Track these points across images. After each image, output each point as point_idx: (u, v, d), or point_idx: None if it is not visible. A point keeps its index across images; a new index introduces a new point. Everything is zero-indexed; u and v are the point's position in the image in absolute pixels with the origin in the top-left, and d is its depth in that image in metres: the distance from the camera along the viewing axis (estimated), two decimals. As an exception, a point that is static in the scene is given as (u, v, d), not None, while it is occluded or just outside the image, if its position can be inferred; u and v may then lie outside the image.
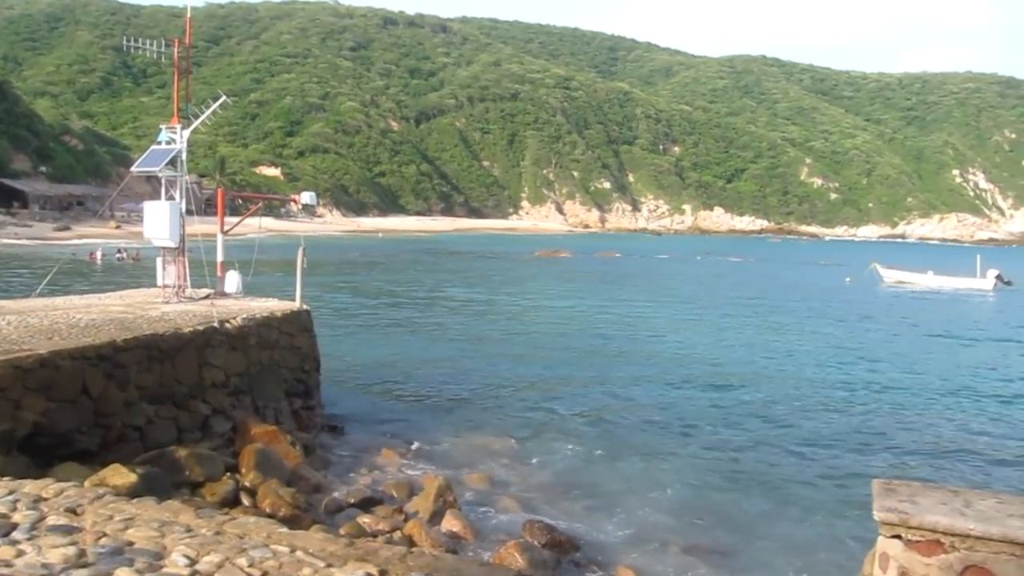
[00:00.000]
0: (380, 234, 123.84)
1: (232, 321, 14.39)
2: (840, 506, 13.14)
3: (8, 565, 4.25)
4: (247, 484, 11.57)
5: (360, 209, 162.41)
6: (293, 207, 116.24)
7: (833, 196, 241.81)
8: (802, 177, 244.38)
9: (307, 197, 21.95)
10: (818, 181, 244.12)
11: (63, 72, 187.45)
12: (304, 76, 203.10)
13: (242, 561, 4.60)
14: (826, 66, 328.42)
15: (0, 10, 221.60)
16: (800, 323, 37.91)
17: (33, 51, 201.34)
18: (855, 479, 14.25)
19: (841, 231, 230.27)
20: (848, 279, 65.73)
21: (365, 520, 11.28)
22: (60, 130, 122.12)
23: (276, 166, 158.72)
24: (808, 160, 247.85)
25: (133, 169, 17.96)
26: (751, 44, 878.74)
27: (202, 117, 17.98)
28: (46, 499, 5.43)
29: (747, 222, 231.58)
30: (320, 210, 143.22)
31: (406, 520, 11.39)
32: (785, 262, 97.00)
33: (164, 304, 16.04)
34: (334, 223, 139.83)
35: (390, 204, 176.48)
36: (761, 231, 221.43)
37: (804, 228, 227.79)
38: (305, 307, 17.11)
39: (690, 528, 12.18)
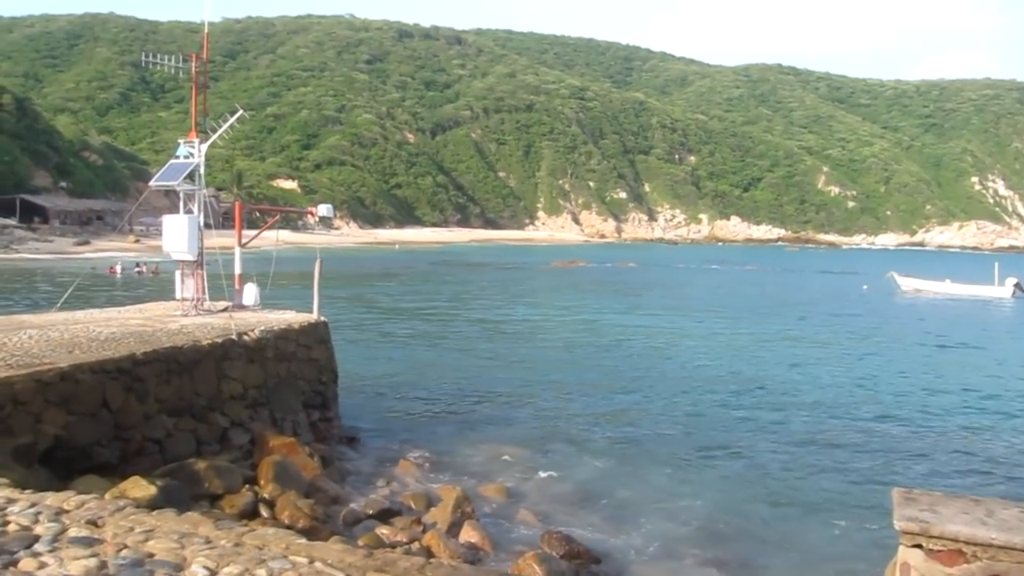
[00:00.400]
0: (397, 246, 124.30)
1: (250, 333, 14.47)
2: (861, 516, 13.03)
3: (30, 577, 4.30)
4: (266, 496, 11.61)
5: (377, 221, 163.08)
6: (310, 220, 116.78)
7: (851, 204, 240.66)
8: (819, 185, 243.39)
9: (324, 209, 22.10)
10: (835, 189, 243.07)
11: (82, 88, 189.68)
12: (320, 89, 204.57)
13: (261, 572, 4.62)
14: (842, 74, 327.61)
15: (20, 28, 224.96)
16: (816, 332, 37.69)
17: (53, 68, 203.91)
18: (875, 489, 14.13)
19: (859, 239, 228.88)
20: (865, 287, 65.31)
21: (383, 531, 11.28)
22: (80, 146, 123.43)
23: (293, 179, 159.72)
24: (825, 168, 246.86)
25: (152, 183, 18.15)
26: (766, 53, 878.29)
27: (219, 131, 18.13)
28: (67, 511, 5.47)
29: (764, 231, 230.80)
30: (337, 222, 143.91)
31: (424, 531, 11.40)
32: (802, 271, 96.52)
33: (183, 317, 16.15)
34: (351, 235, 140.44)
35: (406, 216, 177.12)
36: (778, 240, 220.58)
37: (822, 237, 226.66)
38: (322, 319, 17.18)
39: (710, 540, 12.11)
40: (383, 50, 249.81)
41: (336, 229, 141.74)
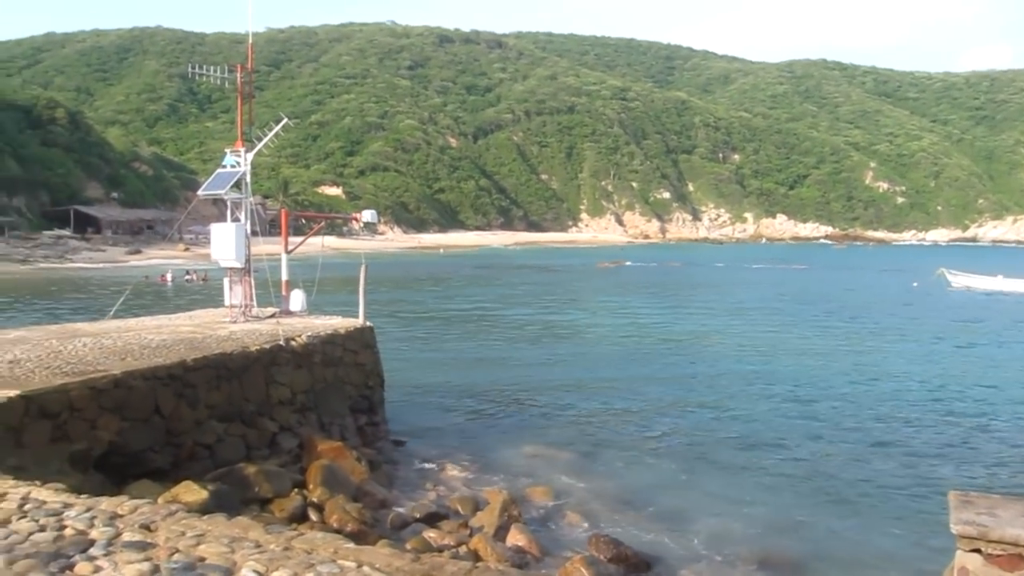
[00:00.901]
0: (441, 250, 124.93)
1: (297, 339, 14.63)
2: (918, 519, 12.75)
3: (86, 581, 4.38)
4: (314, 500, 11.71)
5: (420, 226, 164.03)
6: (355, 225, 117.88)
7: (900, 200, 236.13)
8: (867, 181, 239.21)
9: (368, 215, 22.24)
10: (884, 185, 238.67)
11: (132, 101, 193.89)
12: (363, 96, 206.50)
13: (310, 576, 4.66)
14: (889, 67, 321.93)
15: (72, 43, 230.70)
16: (864, 331, 37.02)
17: (104, 82, 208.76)
18: (932, 491, 13.83)
19: (909, 236, 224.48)
20: (915, 285, 64.01)
21: (431, 535, 11.31)
22: (130, 157, 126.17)
23: (337, 185, 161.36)
24: (873, 164, 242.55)
25: (200, 193, 18.44)
26: (810, 48, 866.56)
27: (265, 140, 18.37)
28: (121, 516, 5.57)
29: (811, 229, 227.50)
30: (381, 228, 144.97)
31: (471, 535, 11.39)
32: (850, 269, 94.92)
33: (231, 323, 16.38)
34: (395, 240, 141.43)
35: (450, 220, 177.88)
36: (825, 237, 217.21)
37: (870, 233, 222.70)
38: (368, 324, 17.30)
39: (762, 543, 11.92)
40: (424, 56, 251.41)
41: (380, 234, 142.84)
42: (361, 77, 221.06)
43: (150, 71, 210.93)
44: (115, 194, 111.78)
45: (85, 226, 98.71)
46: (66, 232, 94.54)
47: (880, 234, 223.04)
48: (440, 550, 10.66)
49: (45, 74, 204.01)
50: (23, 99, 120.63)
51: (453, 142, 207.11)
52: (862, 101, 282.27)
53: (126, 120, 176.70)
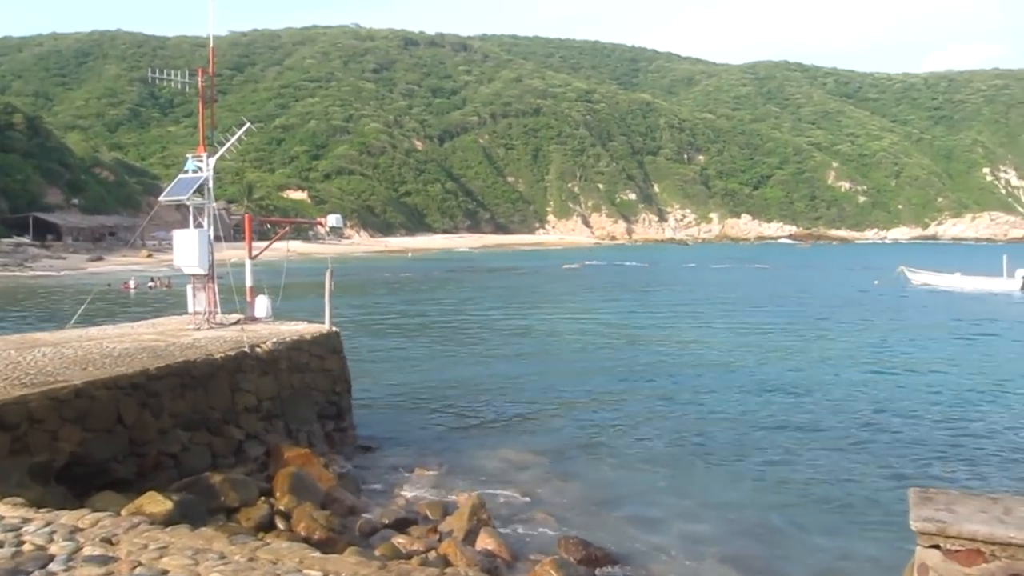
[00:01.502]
0: (410, 254, 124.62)
1: (263, 346, 14.51)
2: (880, 516, 12.93)
3: (46, 597, 4.31)
4: (282, 508, 11.62)
5: (387, 229, 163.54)
6: (320, 230, 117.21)
7: (862, 199, 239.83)
8: (829, 181, 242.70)
9: (333, 219, 22.15)
10: (846, 185, 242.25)
11: (92, 105, 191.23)
12: (328, 99, 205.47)
13: (276, 587, 4.62)
14: (850, 68, 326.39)
15: (30, 47, 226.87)
16: (825, 328, 37.51)
17: (63, 86, 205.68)
18: (894, 488, 14.03)
19: (871, 234, 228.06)
20: (876, 282, 65.01)
21: (400, 541, 11.26)
22: (91, 162, 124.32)
23: (303, 189, 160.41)
24: (835, 164, 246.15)
25: (161, 198, 18.24)
26: (773, 50, 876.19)
27: (227, 144, 18.20)
28: (82, 529, 5.49)
29: (775, 228, 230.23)
30: (347, 231, 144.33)
31: (441, 539, 11.37)
32: (812, 267, 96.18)
33: (195, 331, 16.20)
34: (362, 244, 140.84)
35: (417, 223, 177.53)
36: (789, 237, 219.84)
37: (833, 232, 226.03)
38: (335, 329, 17.20)
39: (730, 542, 12.03)
40: (389, 58, 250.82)
41: (347, 238, 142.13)
42: (326, 80, 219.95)
43: (111, 75, 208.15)
44: (76, 200, 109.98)
45: (45, 233, 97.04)
46: (25, 240, 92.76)
47: (843, 233, 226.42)
48: (409, 556, 10.63)
49: (2, 79, 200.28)
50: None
51: (419, 145, 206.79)
52: (824, 102, 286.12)
53: (86, 125, 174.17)
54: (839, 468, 15.74)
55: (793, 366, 27.35)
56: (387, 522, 12.06)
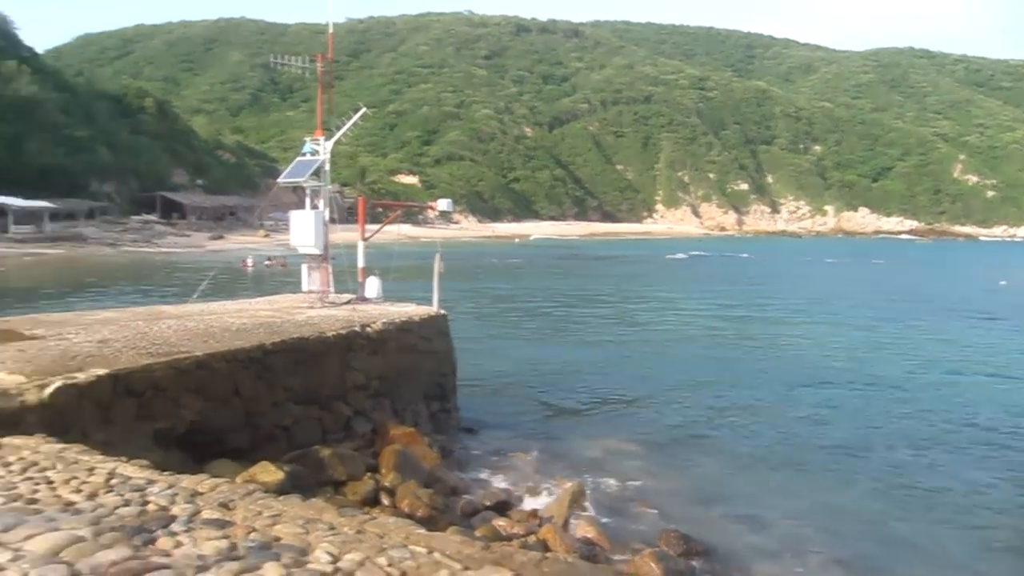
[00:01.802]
0: (516, 239, 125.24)
1: (372, 325, 14.79)
2: (1011, 535, 12.24)
3: (167, 555, 4.50)
4: (386, 484, 11.84)
5: (495, 215, 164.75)
6: (430, 214, 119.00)
7: (990, 194, 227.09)
8: (955, 174, 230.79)
9: (444, 204, 22.37)
10: (973, 178, 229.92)
11: (216, 90, 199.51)
12: (440, 86, 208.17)
13: (382, 560, 4.70)
14: (981, 55, 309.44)
15: (161, 35, 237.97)
16: (946, 330, 35.74)
17: (190, 71, 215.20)
18: (1014, 493, 13.29)
19: (1000, 231, 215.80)
20: (1003, 283, 61.50)
21: (500, 523, 11.32)
22: (214, 145, 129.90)
23: (414, 174, 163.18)
24: (962, 156, 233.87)
25: (280, 180, 18.81)
26: (898, 36, 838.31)
27: (343, 129, 18.61)
28: (201, 493, 5.72)
29: (895, 223, 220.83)
30: (456, 216, 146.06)
31: (540, 524, 11.38)
32: (934, 265, 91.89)
33: (309, 309, 16.66)
34: (469, 229, 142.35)
35: (524, 210, 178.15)
36: (910, 232, 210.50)
37: (958, 228, 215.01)
38: (442, 311, 17.41)
39: (834, 541, 11.64)
40: (501, 45, 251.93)
41: (455, 223, 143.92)
42: (438, 67, 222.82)
43: (234, 61, 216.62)
44: (200, 181, 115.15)
45: (171, 211, 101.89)
46: (153, 217, 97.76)
47: (968, 229, 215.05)
48: (509, 539, 10.66)
49: (135, 65, 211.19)
50: (114, 89, 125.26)
51: (528, 132, 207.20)
52: (952, 91, 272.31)
53: (211, 109, 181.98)
54: (967, 479, 14.85)
55: (914, 367, 26.20)
56: (488, 504, 12.16)
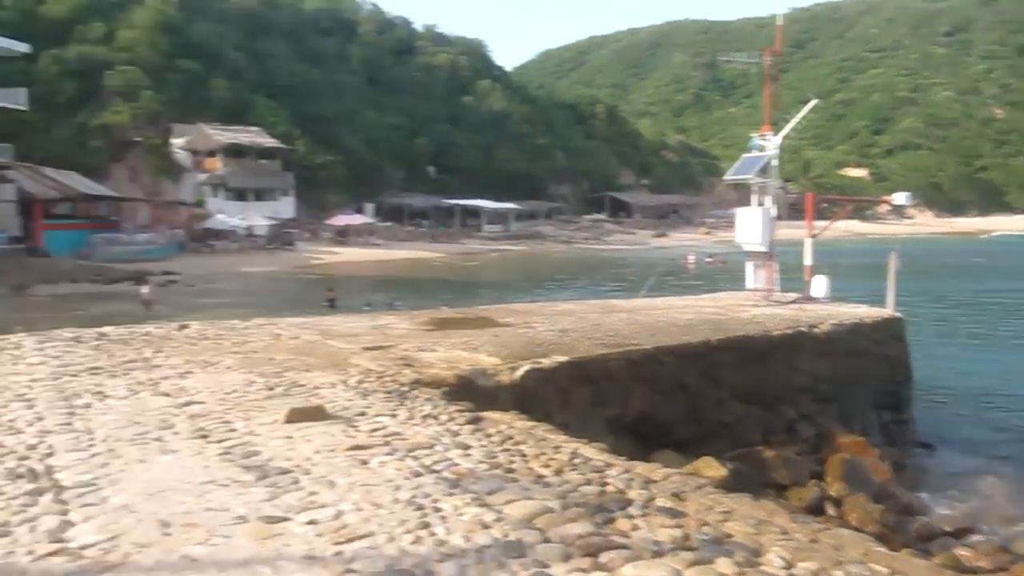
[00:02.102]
0: (983, 236, 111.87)
1: (820, 326, 14.25)
2: None
3: (626, 536, 4.75)
4: (832, 494, 11.32)
5: (956, 208, 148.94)
6: (879, 209, 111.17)
7: None
8: None
9: (901, 198, 20.82)
10: None
11: (660, 92, 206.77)
12: (893, 70, 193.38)
13: (838, 574, 4.49)
14: None
15: (609, 44, 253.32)
16: None
17: (636, 76, 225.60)
18: None
19: None
20: None
21: (963, 553, 10.19)
22: (658, 145, 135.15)
23: (862, 167, 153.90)
24: None
25: (726, 177, 18.93)
26: None
27: (792, 122, 18.16)
28: (655, 481, 5.94)
29: None
30: (909, 211, 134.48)
31: (1013, 562, 10.03)
32: None
33: (754, 307, 16.52)
34: (925, 224, 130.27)
35: (992, 202, 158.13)
36: None
37: None
38: (897, 314, 16.19)
39: None
40: (965, 18, 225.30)
41: (908, 218, 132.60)
42: (891, 49, 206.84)
43: (677, 63, 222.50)
44: (644, 181, 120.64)
45: (618, 210, 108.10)
46: (602, 216, 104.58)
47: None
48: (974, 571, 9.59)
49: (588, 74, 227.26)
50: (570, 98, 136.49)
51: (999, 113, 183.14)
52: None
53: (655, 111, 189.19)
54: None
55: None
56: (948, 529, 11.04)
